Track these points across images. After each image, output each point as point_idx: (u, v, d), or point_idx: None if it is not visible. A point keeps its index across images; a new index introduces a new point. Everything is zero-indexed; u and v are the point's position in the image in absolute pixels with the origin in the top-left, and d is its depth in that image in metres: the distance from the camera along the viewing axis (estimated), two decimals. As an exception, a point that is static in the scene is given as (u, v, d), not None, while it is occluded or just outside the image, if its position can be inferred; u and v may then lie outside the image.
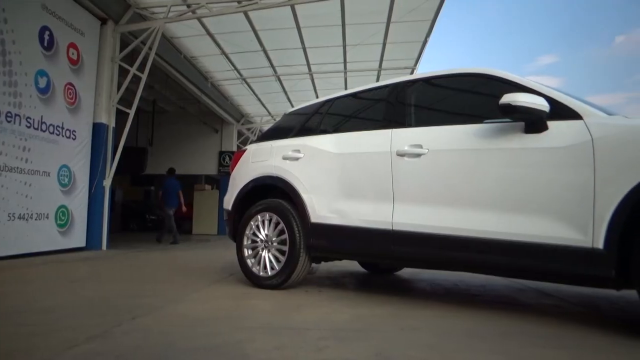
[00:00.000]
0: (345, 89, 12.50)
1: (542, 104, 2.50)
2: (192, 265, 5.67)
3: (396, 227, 3.01)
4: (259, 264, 3.70)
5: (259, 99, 14.61)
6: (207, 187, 17.00)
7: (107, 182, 8.00)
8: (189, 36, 9.83)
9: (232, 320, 2.56)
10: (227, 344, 2.10)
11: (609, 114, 2.50)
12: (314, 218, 3.47)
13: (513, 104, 2.49)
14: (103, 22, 8.02)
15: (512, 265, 2.60)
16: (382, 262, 4.60)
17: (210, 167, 16.50)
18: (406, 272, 4.93)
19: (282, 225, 3.61)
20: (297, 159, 3.70)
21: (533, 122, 2.57)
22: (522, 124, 2.61)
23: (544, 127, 2.55)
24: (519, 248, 2.51)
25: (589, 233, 2.30)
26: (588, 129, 2.42)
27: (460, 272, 4.13)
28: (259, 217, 3.78)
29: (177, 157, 15.94)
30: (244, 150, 4.35)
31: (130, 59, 8.42)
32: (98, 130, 7.90)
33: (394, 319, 2.66)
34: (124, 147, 8.39)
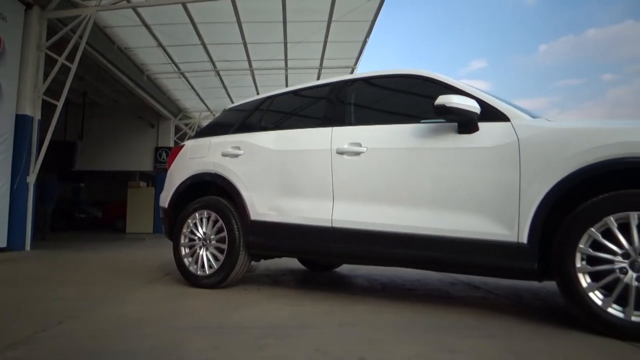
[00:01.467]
0: (286, 86, 12.47)
1: (473, 106, 2.61)
2: (125, 265, 5.44)
3: (336, 225, 3.04)
4: (196, 262, 3.62)
5: (197, 94, 14.24)
6: (142, 184, 16.35)
7: (31, 179, 7.48)
8: (124, 26, 9.40)
9: (167, 321, 2.48)
10: (162, 345, 2.03)
11: (533, 116, 2.66)
12: (254, 215, 3.44)
13: (447, 105, 2.59)
14: (28, 6, 7.48)
15: (445, 260, 2.71)
16: (322, 259, 4.64)
17: (145, 164, 15.87)
18: (345, 268, 5.00)
19: (221, 223, 3.55)
20: (236, 155, 3.64)
21: (465, 123, 2.68)
22: (456, 124, 2.72)
23: (475, 128, 2.67)
24: (452, 243, 2.62)
25: (514, 229, 2.45)
26: (514, 130, 2.56)
27: (396, 267, 4.25)
28: (197, 215, 3.69)
29: (110, 152, 15.22)
30: (182, 146, 4.23)
31: (58, 47, 7.90)
32: (21, 122, 7.36)
33: (333, 315, 2.69)
34: (51, 141, 7.89)
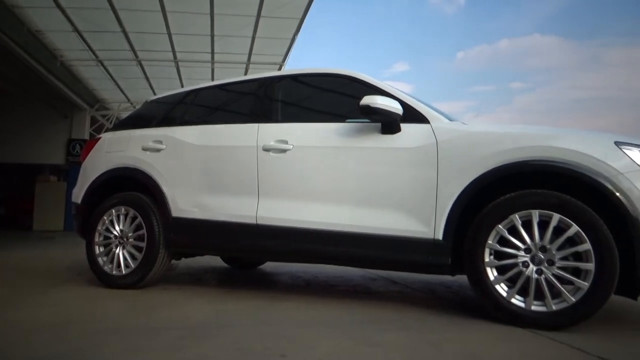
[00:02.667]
0: (212, 80, 12.16)
1: (396, 108, 2.71)
2: (33, 265, 5.03)
3: (261, 222, 3.03)
4: (112, 262, 3.43)
5: (117, 84, 13.47)
6: (53, 178, 15.19)
7: None
8: (35, 7, 8.65)
9: (80, 325, 2.34)
10: (75, 351, 1.91)
11: (450, 119, 2.82)
12: (176, 212, 3.32)
13: (372, 105, 2.66)
14: None
15: (367, 256, 2.79)
16: (246, 257, 4.59)
17: (57, 156, 14.74)
18: (268, 265, 4.99)
19: (139, 220, 3.39)
20: (158, 150, 3.50)
21: (388, 123, 2.78)
22: (379, 124, 2.81)
23: (398, 129, 2.77)
24: (373, 240, 2.71)
25: (431, 226, 2.58)
26: (434, 132, 2.69)
27: (320, 264, 4.31)
28: (113, 211, 3.50)
29: (16, 143, 13.96)
30: (98, 139, 3.99)
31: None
32: None
33: (255, 313, 2.68)
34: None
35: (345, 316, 2.61)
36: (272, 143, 3.08)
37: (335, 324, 2.41)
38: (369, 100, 2.67)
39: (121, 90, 14.23)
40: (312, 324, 2.41)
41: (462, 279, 2.76)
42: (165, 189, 3.38)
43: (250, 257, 4.50)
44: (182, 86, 12.64)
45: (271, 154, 3.07)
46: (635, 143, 2.38)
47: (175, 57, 11.29)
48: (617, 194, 2.24)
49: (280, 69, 11.75)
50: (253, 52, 11.08)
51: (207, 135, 3.39)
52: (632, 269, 2.22)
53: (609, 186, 2.25)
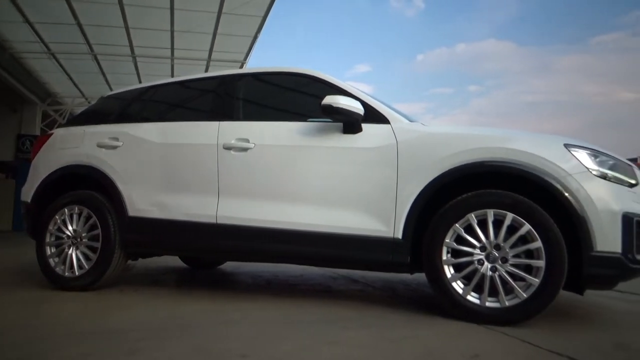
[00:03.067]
0: (172, 76, 11.92)
1: (358, 108, 2.74)
2: (-24, 267, 4.77)
3: (221, 221, 2.99)
4: (64, 263, 3.30)
5: (70, 78, 12.95)
6: (0, 175, 14.48)
7: None
8: (-21, -5, 8.22)
9: (30, 330, 2.24)
10: (28, 356, 1.83)
11: (410, 120, 2.87)
12: (133, 212, 3.23)
13: (334, 105, 2.68)
14: None
15: (328, 255, 2.81)
16: (205, 257, 4.52)
17: (5, 153, 14.03)
18: (229, 265, 4.93)
19: (94, 219, 3.28)
20: (114, 147, 3.39)
21: (350, 123, 2.80)
22: (341, 124, 2.83)
23: (359, 129, 2.80)
24: (334, 240, 2.72)
25: (391, 225, 2.62)
26: (394, 132, 2.74)
27: (281, 263, 4.30)
28: (66, 210, 3.37)
29: (-40, 138, 13.21)
30: (50, 135, 3.83)
31: None
32: None
33: (215, 313, 2.64)
34: None
35: (306, 315, 2.61)
36: (233, 141, 3.05)
37: (296, 323, 2.41)
38: (331, 100, 2.69)
39: (75, 85, 13.69)
40: (273, 323, 2.40)
41: (421, 277, 2.82)
42: (122, 187, 3.28)
43: (210, 257, 4.44)
44: (141, 82, 12.33)
45: (232, 152, 3.04)
46: (583, 145, 2.51)
47: (133, 52, 10.97)
48: (566, 194, 2.35)
49: (241, 67, 11.64)
50: (214, 49, 10.91)
51: (166, 133, 3.32)
52: (579, 265, 2.33)
53: (558, 186, 2.36)
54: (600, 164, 2.44)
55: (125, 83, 11.67)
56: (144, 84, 3.91)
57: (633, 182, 2.49)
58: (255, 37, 10.34)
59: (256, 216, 2.90)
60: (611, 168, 2.46)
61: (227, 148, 3.05)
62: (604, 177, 2.41)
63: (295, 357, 1.87)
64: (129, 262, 3.58)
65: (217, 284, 3.88)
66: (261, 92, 3.46)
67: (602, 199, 2.34)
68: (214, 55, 11.30)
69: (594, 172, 2.39)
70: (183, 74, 5.25)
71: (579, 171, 2.38)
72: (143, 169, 3.29)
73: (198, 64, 11.80)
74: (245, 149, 3.01)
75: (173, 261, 5.11)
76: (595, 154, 2.47)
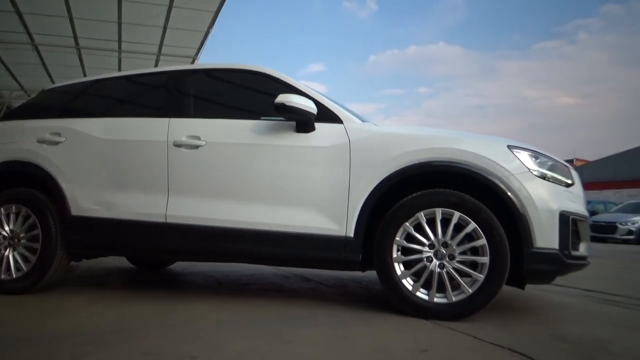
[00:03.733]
0: (119, 70, 11.50)
1: (311, 107, 2.75)
2: None
3: (170, 220, 2.92)
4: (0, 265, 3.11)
5: (8, 70, 12.23)
6: None
7: None
8: None
9: (-42, 336, 2.09)
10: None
11: (363, 120, 2.91)
12: (76, 211, 3.09)
13: (287, 104, 2.67)
14: None
15: (280, 254, 2.80)
16: (154, 257, 4.40)
17: None
18: (178, 265, 4.82)
19: (33, 218, 3.11)
20: (56, 143, 3.23)
21: (303, 122, 2.80)
22: (294, 123, 2.83)
23: (312, 128, 2.81)
24: (287, 238, 2.72)
25: (343, 224, 2.65)
26: (347, 132, 2.76)
27: (233, 262, 4.25)
28: (1, 210, 3.18)
29: None
30: (-16, 129, 3.59)
31: None
32: None
33: (164, 315, 2.58)
34: None
35: (258, 314, 2.59)
36: (183, 139, 2.98)
37: (247, 323, 2.39)
38: (284, 98, 2.68)
39: (13, 77, 12.92)
40: (224, 324, 2.37)
41: (372, 274, 2.87)
42: (64, 185, 3.13)
43: (159, 257, 4.32)
44: (85, 75, 11.83)
45: (183, 149, 2.97)
46: (524, 147, 2.63)
47: (77, 43, 10.50)
48: (509, 193, 2.45)
49: (193, 62, 11.41)
50: (164, 44, 10.64)
51: (114, 129, 3.19)
52: (520, 261, 2.45)
53: (502, 186, 2.47)
54: (540, 164, 2.58)
55: (69, 76, 11.13)
56: (90, 78, 3.76)
57: (569, 182, 2.65)
58: (207, 33, 10.16)
59: (207, 215, 2.85)
60: (550, 169, 2.60)
61: (178, 145, 2.97)
62: (543, 177, 2.54)
63: (246, 357, 1.85)
64: (72, 263, 3.43)
65: (167, 285, 3.78)
66: (213, 89, 3.40)
67: (541, 198, 2.46)
68: (164, 50, 11.01)
69: (534, 173, 2.52)
70: (131, 68, 5.08)
71: (521, 171, 2.50)
72: (88, 166, 3.15)
73: (147, 58, 11.47)
74: (196, 147, 2.94)
75: (119, 262, 4.93)
76: (535, 155, 2.60)
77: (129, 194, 3.04)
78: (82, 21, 9.36)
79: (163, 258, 4.44)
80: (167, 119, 3.08)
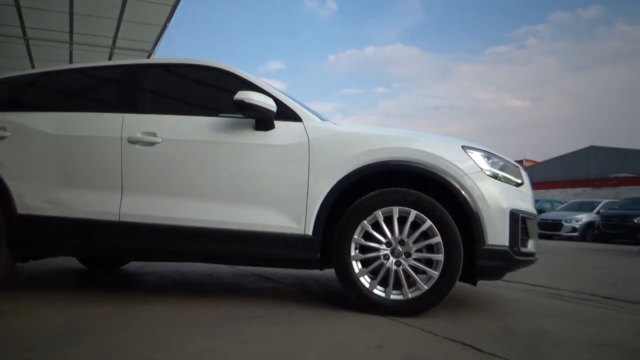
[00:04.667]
0: (71, 63, 11.05)
1: (271, 104, 2.74)
2: None
3: (124, 219, 2.83)
4: (-63, 266, 2.93)
5: (-54, 59, 11.51)
6: None
7: None
8: None
9: None
10: None
11: (322, 119, 2.93)
12: (23, 209, 2.95)
13: (246, 101, 2.65)
14: None
15: (239, 253, 2.78)
16: (107, 257, 4.26)
17: None
18: (133, 265, 4.68)
19: (-25, 217, 2.94)
20: (1, 138, 3.07)
21: (262, 120, 2.79)
22: (253, 121, 2.81)
23: (272, 126, 2.79)
24: (245, 237, 2.70)
25: (302, 222, 2.65)
26: (306, 130, 2.77)
27: (190, 262, 4.18)
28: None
29: None
30: None
31: None
32: None
33: (118, 317, 2.50)
34: None
35: (216, 314, 2.56)
36: (138, 135, 2.90)
37: (205, 323, 2.36)
38: (244, 95, 2.66)
39: (-47, 67, 12.17)
40: (181, 325, 2.33)
41: (330, 272, 2.89)
42: (10, 182, 2.98)
43: (113, 257, 4.18)
44: (33, 67, 11.29)
45: (138, 146, 2.89)
46: (478, 147, 2.73)
47: (25, 33, 9.99)
48: (463, 192, 2.54)
49: (149, 56, 11.12)
50: (119, 37, 10.30)
51: (64, 124, 3.06)
52: (473, 258, 2.53)
53: (456, 185, 2.55)
54: (492, 164, 2.67)
55: (15, 68, 10.59)
56: (39, 70, 3.59)
57: (519, 181, 2.76)
58: (164, 27, 9.92)
59: (163, 213, 2.79)
60: (501, 169, 2.70)
61: (132, 142, 2.89)
62: (495, 177, 2.64)
63: (205, 357, 1.83)
64: (18, 264, 3.27)
65: (120, 286, 3.67)
66: (170, 85, 3.32)
67: (493, 197, 2.56)
68: (118, 43, 10.65)
69: (487, 172, 2.61)
70: (83, 61, 4.89)
71: (474, 171, 2.59)
72: (36, 162, 3.01)
73: (101, 51, 11.07)
74: (152, 143, 2.87)
75: (70, 262, 4.74)
76: (488, 155, 2.70)
77: (80, 192, 2.93)
78: (30, 10, 8.91)
79: (116, 258, 4.30)
80: (121, 115, 2.99)
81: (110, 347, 1.94)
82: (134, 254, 3.24)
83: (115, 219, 2.84)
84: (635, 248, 10.56)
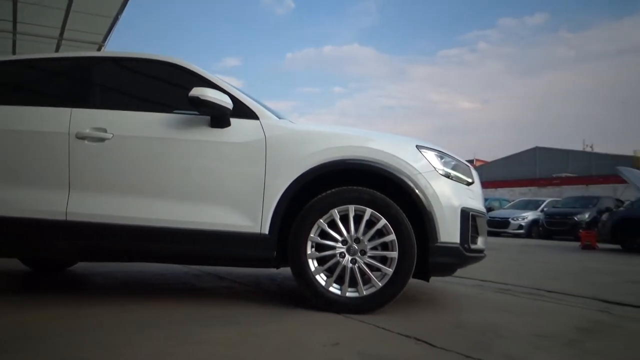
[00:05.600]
0: (14, 54, 10.49)
1: (226, 102, 2.69)
2: None
3: (71, 218, 2.71)
4: None
5: None
6: None
7: None
8: None
9: None
10: None
11: (279, 117, 2.91)
12: (-42, 208, 2.77)
13: (201, 97, 2.60)
14: None
15: (192, 252, 2.73)
16: (52, 257, 4.07)
17: None
18: (80, 266, 4.50)
19: None
20: None
21: (218, 117, 2.74)
22: (209, 118, 2.76)
23: (227, 123, 2.75)
24: (200, 236, 2.65)
25: (258, 220, 2.64)
26: (263, 128, 2.75)
27: (141, 262, 4.06)
28: None
29: None
30: None
31: None
32: None
33: (65, 320, 2.39)
34: None
35: (169, 315, 2.50)
36: (87, 131, 2.78)
37: (157, 325, 2.30)
38: (199, 92, 2.61)
39: None
40: (131, 327, 2.25)
41: (286, 271, 2.88)
42: (-56, 179, 2.79)
43: (58, 257, 4.00)
44: (-29, 56, 10.59)
45: (86, 142, 2.77)
46: (431, 147, 2.80)
47: (-39, 20, 9.38)
48: (417, 191, 2.60)
49: (99, 49, 10.70)
50: (67, 27, 9.85)
51: (6, 118, 2.90)
52: (425, 255, 2.60)
53: (410, 184, 2.60)
54: (445, 164, 2.75)
55: (-49, 56, 9.91)
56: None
57: (470, 180, 2.86)
58: (115, 19, 9.57)
59: (113, 212, 2.70)
60: (453, 168, 2.78)
61: (81, 138, 2.78)
62: (447, 176, 2.72)
63: (155, 360, 1.78)
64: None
65: (67, 288, 3.51)
66: (122, 79, 3.21)
67: (445, 196, 2.63)
68: (66, 34, 10.19)
69: (440, 172, 2.69)
70: (27, 53, 4.63)
71: (428, 170, 2.66)
72: (-27, 158, 2.84)
73: (47, 42, 10.54)
74: (101, 140, 2.77)
75: (11, 264, 4.50)
76: (441, 155, 2.78)
77: (24, 190, 2.79)
78: (-33, -4, 8.39)
79: (63, 259, 4.11)
80: (69, 109, 2.86)
81: (55, 352, 1.86)
82: (82, 254, 3.11)
83: (62, 217, 2.72)
84: (576, 244, 11.17)
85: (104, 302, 2.82)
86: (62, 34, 10.15)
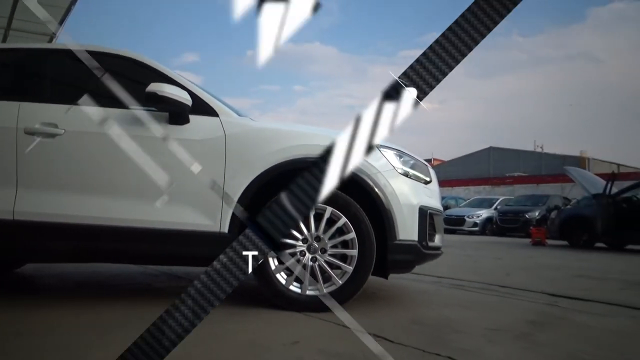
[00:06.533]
0: (-45, 42, 9.90)
1: (185, 98, 2.64)
2: None
3: (20, 217, 2.59)
4: None
5: None
6: None
7: None
8: None
9: None
10: None
11: (239, 115, 2.88)
12: None
13: (159, 93, 2.54)
14: None
15: (150, 252, 2.67)
16: None
17: None
18: (30, 267, 4.30)
19: None
20: None
21: (177, 114, 2.68)
22: (167, 114, 2.70)
23: (186, 120, 2.70)
24: (157, 235, 2.59)
25: (217, 219, 2.60)
26: (222, 126, 2.72)
27: (95, 262, 3.93)
28: None
29: None
30: None
31: None
32: None
33: (13, 324, 2.28)
34: None
35: (124, 317, 2.43)
36: (37, 126, 2.67)
37: (113, 326, 2.23)
38: (156, 87, 2.54)
39: None
40: (85, 330, 2.18)
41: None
42: None
43: (5, 258, 3.81)
44: None
45: (36, 138, 2.65)
46: (390, 146, 2.84)
47: None
48: (376, 189, 2.63)
49: (51, 40, 10.24)
50: (15, 17, 9.36)
51: (-54, 111, 2.74)
52: (384, 253, 2.64)
53: (370, 182, 2.64)
54: (404, 163, 2.81)
55: None
56: None
57: (428, 179, 2.93)
58: (69, 9, 9.18)
59: (65, 211, 2.59)
60: (412, 167, 2.84)
61: (30, 133, 2.65)
62: (406, 174, 2.77)
63: (110, 363, 1.73)
64: None
65: (15, 290, 3.35)
66: (75, 73, 3.09)
67: (404, 194, 2.69)
68: (15, 24, 9.69)
69: (398, 170, 2.74)
70: (-30, 42, 4.36)
71: (387, 169, 2.70)
72: None
73: (-8, 31, 10.00)
74: (52, 135, 2.66)
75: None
76: (400, 154, 2.83)
77: (-34, 187, 2.64)
78: None
79: (10, 259, 3.92)
80: (17, 103, 2.73)
81: (16, 356, 1.77)
82: (31, 254, 2.99)
83: (9, 217, 2.59)
84: (527, 240, 11.65)
85: (56, 304, 2.70)
86: (9, 24, 9.65)
